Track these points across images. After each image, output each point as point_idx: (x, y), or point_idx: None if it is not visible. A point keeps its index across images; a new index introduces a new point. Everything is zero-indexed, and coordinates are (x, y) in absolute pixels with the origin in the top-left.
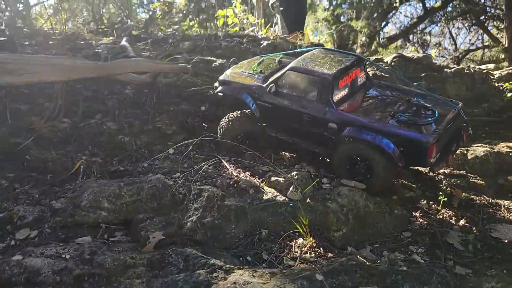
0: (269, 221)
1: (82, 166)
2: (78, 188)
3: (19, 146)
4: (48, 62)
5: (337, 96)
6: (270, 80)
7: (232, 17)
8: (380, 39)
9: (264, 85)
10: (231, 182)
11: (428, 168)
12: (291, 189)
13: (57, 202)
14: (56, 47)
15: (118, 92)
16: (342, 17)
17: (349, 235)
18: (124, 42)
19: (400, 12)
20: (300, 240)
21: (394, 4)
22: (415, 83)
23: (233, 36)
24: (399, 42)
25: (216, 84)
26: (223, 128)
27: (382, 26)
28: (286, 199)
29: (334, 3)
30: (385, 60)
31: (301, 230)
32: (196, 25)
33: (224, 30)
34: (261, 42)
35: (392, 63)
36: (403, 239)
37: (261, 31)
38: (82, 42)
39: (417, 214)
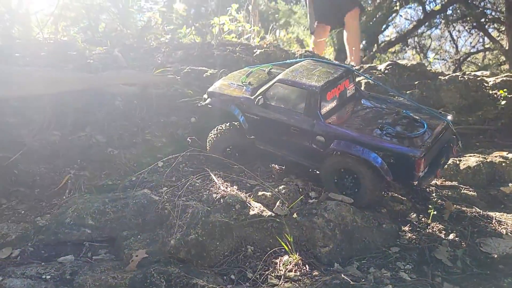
0: (255, 237)
1: (69, 181)
2: (64, 204)
3: (8, 160)
4: (36, 75)
5: (325, 108)
6: (258, 92)
7: (228, 24)
8: (379, 43)
9: (253, 97)
10: (217, 197)
11: (416, 183)
12: (277, 204)
13: (42, 219)
14: (47, 57)
15: (108, 103)
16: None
17: (336, 251)
18: (116, 52)
19: (401, 15)
20: (286, 257)
21: (395, 8)
22: (407, 92)
23: (226, 45)
24: (397, 47)
25: (205, 95)
26: (212, 141)
27: (382, 29)
28: (273, 214)
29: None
30: (378, 68)
31: (286, 247)
32: (193, 32)
33: (219, 38)
34: (254, 51)
35: (386, 71)
36: (391, 254)
37: (255, 38)
38: (74, 52)
39: (406, 228)
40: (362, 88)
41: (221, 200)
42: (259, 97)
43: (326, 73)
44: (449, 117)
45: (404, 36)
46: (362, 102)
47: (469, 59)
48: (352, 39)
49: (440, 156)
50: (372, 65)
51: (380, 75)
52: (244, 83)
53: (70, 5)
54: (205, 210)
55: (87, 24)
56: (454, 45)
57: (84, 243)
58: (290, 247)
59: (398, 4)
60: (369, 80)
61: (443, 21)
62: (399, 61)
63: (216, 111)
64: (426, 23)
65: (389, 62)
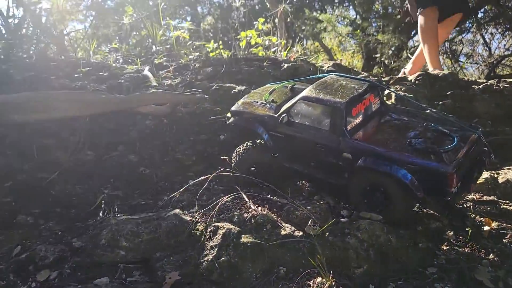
0: (286, 258)
1: (103, 201)
2: (98, 225)
3: (45, 181)
4: (70, 98)
5: (351, 124)
6: (282, 109)
7: (255, 37)
8: (408, 51)
9: (276, 115)
10: (248, 217)
11: (449, 199)
12: (309, 223)
13: (78, 241)
14: (81, 78)
15: (139, 123)
16: (367, 30)
17: (371, 271)
18: (146, 71)
19: None
20: (319, 279)
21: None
22: (440, 102)
23: (253, 60)
24: None
25: (229, 114)
26: (236, 160)
27: (411, 35)
28: (304, 234)
29: (358, 16)
30: (409, 79)
31: (320, 270)
32: (220, 47)
33: (246, 52)
34: (282, 65)
35: (416, 81)
36: (428, 275)
37: (282, 51)
38: (106, 73)
39: (444, 247)
40: (393, 101)
41: (252, 220)
42: (283, 115)
43: (350, 89)
44: (480, 129)
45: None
46: (388, 116)
47: (503, 61)
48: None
49: (473, 171)
50: (402, 76)
51: (411, 86)
52: (267, 101)
53: (101, 25)
54: (236, 231)
55: (118, 44)
56: (487, 48)
57: (118, 265)
58: (323, 269)
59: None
60: (395, 93)
61: (475, 25)
62: (429, 71)
63: (240, 130)
64: (457, 28)
65: (419, 73)
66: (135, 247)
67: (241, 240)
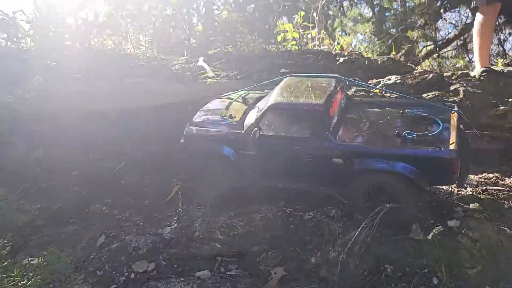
0: (392, 256)
1: (179, 192)
2: (184, 216)
3: (112, 171)
4: (141, 87)
5: (331, 126)
6: (249, 124)
7: (291, 31)
8: (437, 49)
9: (244, 132)
10: (343, 213)
11: (455, 185)
12: (413, 227)
13: (164, 231)
14: (135, 69)
15: None
16: (384, 26)
17: (484, 273)
18: (201, 62)
19: (445, 19)
20: (435, 280)
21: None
22: (509, 100)
23: (308, 53)
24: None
25: (182, 140)
26: (204, 188)
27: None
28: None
29: (376, 12)
30: (472, 75)
31: (441, 271)
32: (256, 41)
33: (282, 46)
34: (337, 59)
35: (481, 78)
36: None
37: (323, 45)
38: (155, 62)
39: None
40: (461, 96)
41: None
42: (254, 129)
43: (319, 88)
44: (456, 107)
45: (450, 40)
46: (359, 108)
47: None
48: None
49: (464, 149)
50: (465, 71)
51: (476, 83)
52: (225, 117)
53: (139, 17)
54: (339, 226)
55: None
56: (502, 49)
57: (216, 258)
58: (441, 269)
59: (442, 8)
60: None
61: None
62: (494, 67)
63: (198, 156)
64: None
65: (484, 69)
66: (231, 240)
67: (346, 236)
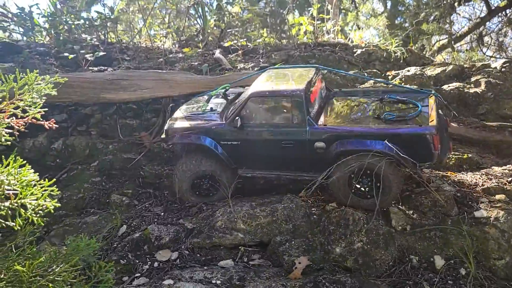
0: (417, 246)
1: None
2: (204, 207)
3: (131, 162)
4: (159, 78)
5: (312, 112)
6: (231, 114)
7: (306, 24)
8: (452, 43)
9: (226, 122)
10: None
11: (436, 161)
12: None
13: (185, 221)
14: (153, 61)
15: None
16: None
17: None
18: (218, 54)
19: (458, 14)
20: (462, 271)
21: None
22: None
23: (324, 45)
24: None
25: (164, 135)
26: (178, 177)
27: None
28: (433, 222)
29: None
30: (493, 66)
31: (469, 262)
32: (265, 35)
33: (297, 39)
34: (354, 50)
35: (503, 69)
36: None
37: (338, 37)
38: (171, 55)
39: None
40: (482, 88)
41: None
42: (235, 118)
43: (299, 76)
44: (433, 91)
45: (464, 34)
46: (338, 98)
47: None
48: None
49: (443, 129)
50: (486, 63)
51: (497, 73)
52: (206, 111)
53: (151, 11)
54: (364, 217)
55: (171, 28)
56: None
57: (239, 248)
58: (470, 261)
59: (456, 1)
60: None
61: (505, 19)
62: None
63: (182, 149)
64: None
65: (505, 60)
66: (253, 230)
67: (371, 225)
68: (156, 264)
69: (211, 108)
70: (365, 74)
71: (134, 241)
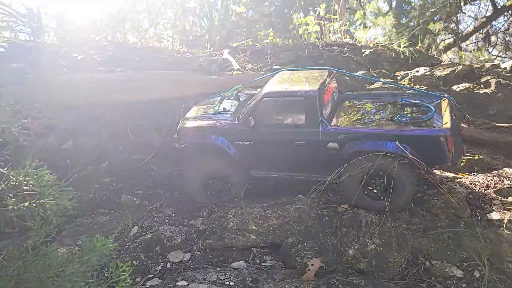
0: (430, 248)
1: None
2: (215, 208)
3: (141, 162)
4: (170, 78)
5: (325, 113)
6: (244, 114)
7: (312, 24)
8: (459, 42)
9: (239, 122)
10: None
11: (450, 164)
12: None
13: (196, 222)
14: (162, 61)
15: None
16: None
17: None
18: (226, 54)
19: (464, 13)
20: (476, 273)
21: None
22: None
23: (332, 45)
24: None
25: (176, 135)
26: (189, 177)
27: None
28: (446, 224)
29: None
30: (503, 67)
31: (483, 264)
32: (271, 34)
33: (304, 39)
34: (363, 51)
35: None
36: None
37: (344, 37)
38: (178, 55)
39: None
40: (493, 88)
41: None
42: (249, 117)
43: (313, 78)
44: (446, 94)
45: (470, 34)
46: (351, 100)
47: None
48: None
49: (458, 131)
50: (495, 63)
51: (507, 74)
52: (219, 111)
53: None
54: (377, 219)
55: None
56: None
57: (251, 249)
58: (484, 264)
59: (462, 0)
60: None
61: (511, 18)
62: None
63: (195, 149)
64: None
65: None
66: (265, 231)
67: (384, 227)
68: (168, 265)
69: (224, 108)
70: (374, 74)
71: (146, 242)
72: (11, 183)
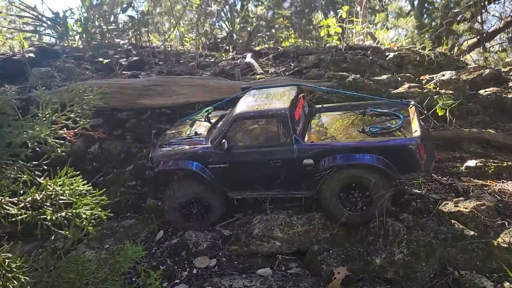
0: (459, 258)
1: None
2: (240, 214)
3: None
4: (193, 83)
5: (298, 130)
6: (217, 137)
7: (334, 26)
8: (483, 43)
9: (211, 145)
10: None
11: (423, 171)
12: None
13: (222, 228)
14: (185, 65)
15: None
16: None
17: None
18: (249, 58)
19: (488, 12)
20: (507, 285)
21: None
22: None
23: (356, 48)
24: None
25: (150, 163)
26: (167, 202)
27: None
28: (475, 233)
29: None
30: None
31: None
32: (292, 36)
33: (325, 41)
34: (387, 54)
35: None
36: None
37: (367, 40)
38: (201, 58)
39: None
40: None
41: (414, 216)
42: (222, 140)
43: (282, 95)
44: (413, 102)
45: (494, 33)
46: (321, 114)
47: None
48: None
49: (427, 138)
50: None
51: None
52: (190, 135)
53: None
54: (404, 227)
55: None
56: None
57: (276, 255)
58: None
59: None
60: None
61: None
62: None
63: (167, 175)
64: None
65: None
66: (290, 238)
67: (412, 236)
68: (194, 271)
69: (196, 132)
70: (398, 79)
71: (172, 247)
72: (48, 192)
